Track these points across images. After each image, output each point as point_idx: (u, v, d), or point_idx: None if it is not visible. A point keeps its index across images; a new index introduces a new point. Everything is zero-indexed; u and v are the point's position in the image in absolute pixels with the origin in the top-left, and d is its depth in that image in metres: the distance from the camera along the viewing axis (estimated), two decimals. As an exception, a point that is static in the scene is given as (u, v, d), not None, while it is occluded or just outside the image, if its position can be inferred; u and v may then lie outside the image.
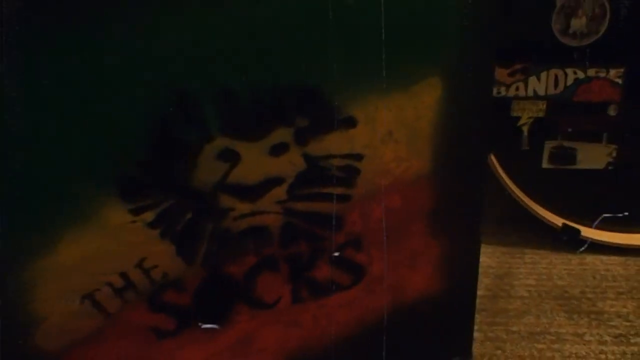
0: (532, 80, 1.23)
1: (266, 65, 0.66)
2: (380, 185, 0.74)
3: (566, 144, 1.27)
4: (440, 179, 0.76)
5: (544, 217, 1.28)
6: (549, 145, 1.28)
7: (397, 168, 0.74)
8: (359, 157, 0.72)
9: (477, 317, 0.94)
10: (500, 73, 1.22)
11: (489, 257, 1.26)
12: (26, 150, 0.62)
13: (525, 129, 1.27)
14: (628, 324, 1.06)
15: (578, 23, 1.18)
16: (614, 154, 1.27)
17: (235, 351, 0.78)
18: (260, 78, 0.66)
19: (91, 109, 0.62)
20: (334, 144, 0.71)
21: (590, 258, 1.26)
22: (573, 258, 1.26)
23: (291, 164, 0.71)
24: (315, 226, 0.75)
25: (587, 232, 1.28)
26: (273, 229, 0.73)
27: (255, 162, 0.69)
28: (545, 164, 1.29)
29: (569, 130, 1.26)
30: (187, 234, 0.70)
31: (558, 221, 1.28)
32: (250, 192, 0.70)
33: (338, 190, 0.73)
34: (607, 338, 1.02)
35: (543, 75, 1.22)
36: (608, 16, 1.17)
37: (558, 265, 1.24)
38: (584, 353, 0.98)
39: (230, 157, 0.68)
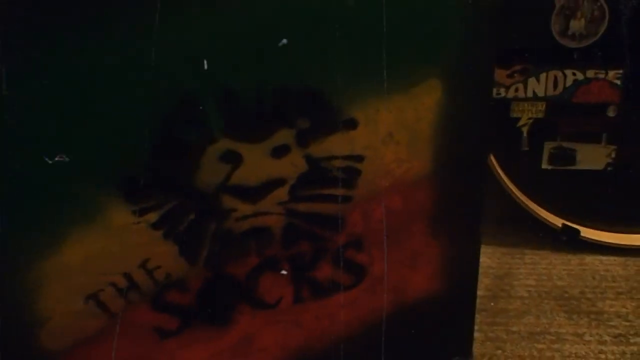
0: (532, 81, 1.23)
1: (268, 67, 0.66)
2: (380, 186, 0.74)
3: (565, 144, 1.28)
4: (441, 179, 0.77)
5: (544, 218, 1.28)
6: (548, 146, 1.28)
7: (398, 169, 0.74)
8: (359, 158, 0.73)
9: (477, 317, 0.94)
10: (500, 74, 1.22)
11: (489, 258, 1.26)
12: (27, 150, 0.62)
13: (524, 130, 1.27)
14: (627, 323, 1.06)
15: (577, 25, 1.18)
16: (613, 155, 1.27)
17: (236, 351, 0.78)
18: (262, 80, 0.66)
19: (92, 109, 0.62)
20: (335, 145, 0.71)
21: (589, 258, 1.26)
22: (573, 258, 1.26)
23: (293, 165, 0.71)
24: (316, 227, 0.75)
25: (587, 233, 1.28)
26: (275, 229, 0.74)
27: (257, 163, 0.69)
28: (544, 165, 1.29)
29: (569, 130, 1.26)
30: (190, 234, 0.71)
31: (557, 221, 1.29)
32: (252, 193, 0.71)
33: (339, 191, 0.74)
34: (607, 338, 1.02)
35: (542, 76, 1.23)
36: (607, 18, 1.17)
37: (558, 266, 1.24)
38: (584, 353, 0.99)
39: (233, 159, 0.69)
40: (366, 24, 0.66)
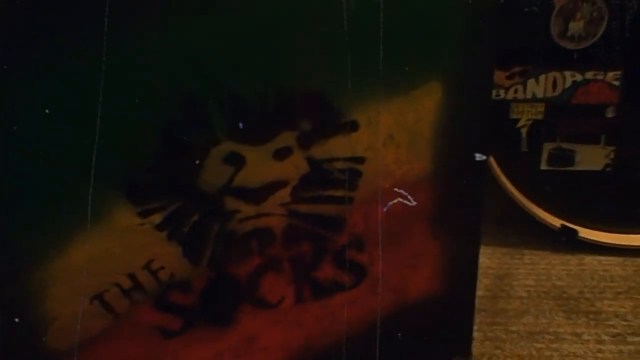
0: (531, 82, 1.24)
1: (269, 69, 0.67)
2: (381, 187, 0.75)
3: (564, 145, 1.28)
4: (441, 180, 0.77)
5: (543, 218, 1.29)
6: (547, 147, 1.28)
7: (398, 170, 0.75)
8: (361, 160, 0.73)
9: (477, 317, 0.95)
10: (499, 76, 1.23)
11: (488, 258, 1.26)
12: (29, 151, 0.63)
13: (524, 131, 1.27)
14: (625, 323, 1.06)
15: (576, 26, 1.19)
16: (612, 156, 1.27)
17: (238, 350, 0.79)
18: (263, 81, 0.67)
19: (93, 109, 0.62)
20: (336, 147, 0.71)
21: (588, 259, 1.27)
22: (572, 259, 1.27)
23: (295, 167, 0.71)
24: (318, 228, 0.76)
25: (586, 233, 1.29)
26: (277, 230, 0.74)
27: (259, 165, 0.70)
28: (544, 166, 1.29)
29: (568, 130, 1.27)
30: (194, 235, 0.71)
31: (556, 222, 1.29)
32: (255, 194, 0.71)
33: (340, 193, 0.74)
34: (605, 337, 1.03)
35: (541, 77, 1.23)
36: (606, 19, 1.18)
37: (557, 266, 1.25)
38: (582, 352, 0.99)
39: (236, 161, 0.69)
40: (366, 25, 0.67)
